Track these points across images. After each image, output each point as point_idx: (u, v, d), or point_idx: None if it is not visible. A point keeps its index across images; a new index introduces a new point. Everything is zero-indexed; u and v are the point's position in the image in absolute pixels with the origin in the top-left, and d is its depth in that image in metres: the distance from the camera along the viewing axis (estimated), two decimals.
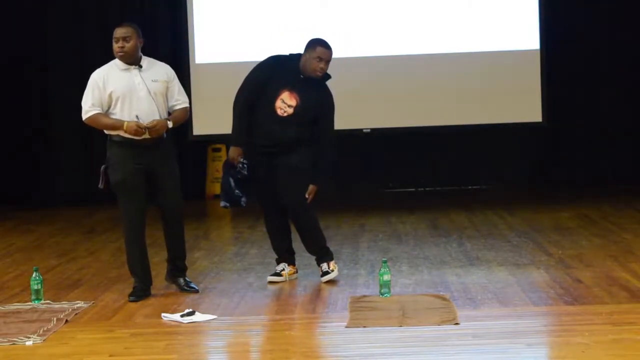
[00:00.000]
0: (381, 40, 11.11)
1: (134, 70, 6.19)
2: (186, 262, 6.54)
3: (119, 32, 6.27)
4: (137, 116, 6.09)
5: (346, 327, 5.47)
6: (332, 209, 10.21)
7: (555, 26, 11.20)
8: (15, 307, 6.19)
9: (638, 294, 6.00)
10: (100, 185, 6.20)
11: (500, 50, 11.11)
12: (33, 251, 8.38)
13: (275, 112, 6.54)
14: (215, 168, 11.70)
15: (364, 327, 5.45)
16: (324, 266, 6.71)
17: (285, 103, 6.56)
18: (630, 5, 11.31)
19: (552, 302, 5.91)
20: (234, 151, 6.51)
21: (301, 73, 6.64)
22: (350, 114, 11.15)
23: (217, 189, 11.73)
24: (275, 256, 6.90)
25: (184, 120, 6.46)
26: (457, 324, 5.44)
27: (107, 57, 12.42)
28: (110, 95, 6.13)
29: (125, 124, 6.05)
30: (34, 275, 6.28)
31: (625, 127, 11.46)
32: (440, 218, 9.47)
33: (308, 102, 6.59)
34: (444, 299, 6.00)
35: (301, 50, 6.81)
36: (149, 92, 6.13)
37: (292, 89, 6.56)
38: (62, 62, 11.54)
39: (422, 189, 11.67)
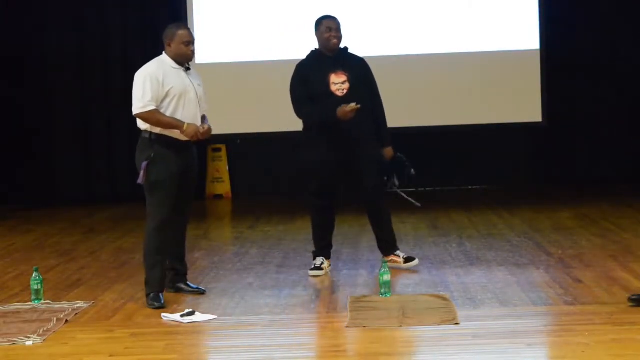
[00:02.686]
0: (381, 40, 11.11)
1: (182, 73, 6.10)
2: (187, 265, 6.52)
3: (190, 35, 6.13)
4: (203, 116, 6.19)
5: (346, 327, 5.47)
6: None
7: (555, 26, 11.21)
8: (15, 307, 6.19)
9: (638, 294, 5.99)
10: (141, 181, 5.99)
11: (500, 50, 11.12)
12: (33, 251, 8.38)
13: (335, 96, 6.70)
14: (216, 168, 11.71)
15: (364, 327, 5.45)
16: (400, 253, 6.99)
17: (338, 83, 6.75)
18: (630, 5, 11.31)
19: (552, 302, 5.91)
20: (345, 113, 6.55)
21: (326, 54, 6.85)
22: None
23: (217, 189, 11.76)
24: (313, 249, 7.06)
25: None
26: (457, 324, 5.44)
27: (107, 57, 12.46)
28: (168, 93, 5.99)
29: (186, 125, 5.97)
30: (34, 275, 6.28)
31: (625, 127, 11.47)
32: (440, 218, 9.47)
33: (352, 70, 6.82)
34: (444, 299, 6.00)
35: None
36: (197, 95, 6.12)
37: (332, 70, 6.77)
38: (62, 62, 11.54)
39: (422, 189, 11.66)
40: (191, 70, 6.19)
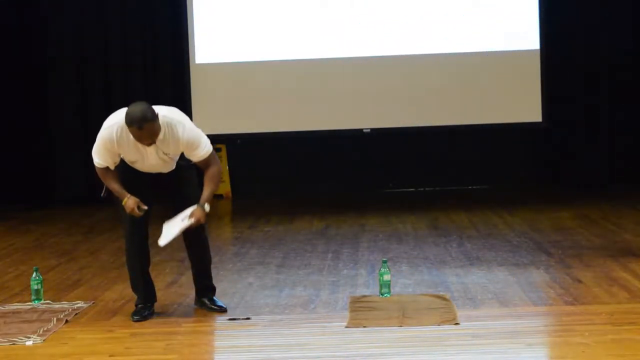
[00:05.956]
0: (381, 40, 11.11)
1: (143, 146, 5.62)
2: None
3: (141, 137, 5.49)
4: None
5: (346, 327, 5.47)
6: (332, 209, 10.22)
7: (555, 26, 11.20)
8: (15, 307, 6.19)
9: (638, 294, 6.00)
10: (103, 195, 5.89)
11: (500, 50, 11.12)
12: (33, 251, 8.38)
13: None
14: None
15: (364, 327, 5.45)
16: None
17: None
18: (629, 5, 11.31)
19: (552, 302, 5.92)
20: None
21: None
22: (350, 114, 11.18)
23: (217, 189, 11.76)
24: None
25: (218, 182, 5.94)
26: (457, 324, 5.44)
27: (107, 57, 12.46)
28: (122, 158, 5.70)
29: (125, 200, 5.66)
30: (34, 275, 6.28)
31: (625, 127, 11.46)
32: (440, 218, 9.47)
33: None
34: (444, 299, 6.00)
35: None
36: (160, 159, 5.70)
37: None
38: (62, 61, 11.53)
39: (422, 189, 11.67)
40: (163, 139, 5.59)
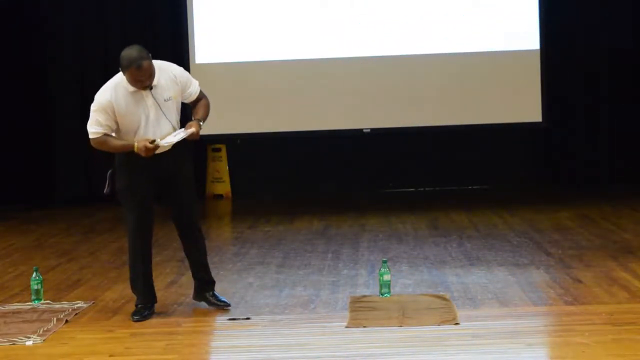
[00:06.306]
0: (381, 41, 11.11)
1: (141, 94, 5.67)
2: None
3: (140, 74, 5.58)
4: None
5: (346, 327, 5.47)
6: (332, 209, 10.22)
7: (555, 26, 11.20)
8: (15, 307, 6.19)
9: (638, 294, 6.00)
10: (106, 191, 5.85)
11: (500, 50, 11.11)
12: (33, 251, 8.38)
13: None
14: (216, 168, 11.71)
15: (364, 327, 5.45)
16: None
17: None
18: (629, 5, 11.31)
19: (552, 302, 5.92)
20: None
21: None
22: (350, 114, 11.18)
23: (217, 189, 11.76)
24: None
25: (209, 111, 5.96)
26: (457, 324, 5.44)
27: (107, 57, 12.46)
28: (121, 122, 5.67)
29: (135, 145, 5.59)
30: (34, 275, 6.28)
31: (625, 127, 11.46)
32: (440, 218, 9.47)
33: None
34: (444, 299, 6.00)
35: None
36: (160, 112, 5.69)
37: None
38: (62, 62, 11.53)
39: (422, 189, 11.67)
40: (157, 83, 5.67)
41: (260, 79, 11.18)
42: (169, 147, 5.69)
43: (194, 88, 5.92)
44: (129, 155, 5.70)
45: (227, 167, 11.73)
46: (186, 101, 5.96)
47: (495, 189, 11.45)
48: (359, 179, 11.69)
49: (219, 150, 11.71)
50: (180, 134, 5.70)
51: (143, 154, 5.59)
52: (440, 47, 11.11)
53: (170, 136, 5.71)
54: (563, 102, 11.38)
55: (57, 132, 11.62)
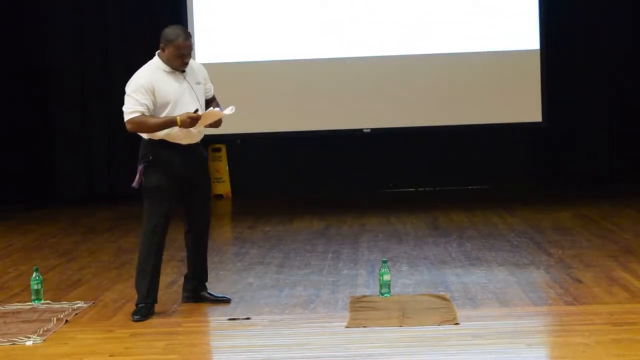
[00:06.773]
0: (381, 41, 11.11)
1: (177, 75, 5.81)
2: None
3: (187, 47, 5.77)
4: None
5: (346, 327, 5.47)
6: (332, 209, 10.22)
7: (555, 26, 11.20)
8: (15, 307, 6.19)
9: (638, 294, 6.00)
10: (135, 185, 5.82)
11: (500, 50, 11.11)
12: (33, 251, 8.38)
13: None
14: (216, 168, 11.71)
15: (364, 327, 5.45)
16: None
17: None
18: (629, 5, 11.31)
19: (552, 302, 5.92)
20: None
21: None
22: (350, 114, 11.18)
23: (217, 189, 11.76)
24: None
25: None
26: (457, 324, 5.44)
27: (107, 57, 12.46)
28: (160, 102, 5.75)
29: (178, 118, 5.69)
30: (34, 275, 6.28)
31: (625, 127, 11.46)
32: (440, 218, 9.47)
33: None
34: (444, 299, 6.00)
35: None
36: (194, 95, 5.85)
37: None
38: (62, 61, 11.53)
39: (422, 189, 11.67)
40: (190, 68, 5.88)
41: (260, 79, 11.18)
42: (214, 121, 5.84)
43: (211, 85, 6.17)
44: (161, 151, 5.80)
45: (227, 167, 11.74)
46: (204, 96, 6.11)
47: (495, 189, 11.45)
48: (359, 179, 11.69)
49: (219, 150, 11.71)
50: (227, 110, 5.83)
51: (187, 126, 5.72)
52: (440, 47, 11.11)
53: (215, 109, 5.90)
54: (563, 102, 11.38)
55: (57, 132, 11.62)
